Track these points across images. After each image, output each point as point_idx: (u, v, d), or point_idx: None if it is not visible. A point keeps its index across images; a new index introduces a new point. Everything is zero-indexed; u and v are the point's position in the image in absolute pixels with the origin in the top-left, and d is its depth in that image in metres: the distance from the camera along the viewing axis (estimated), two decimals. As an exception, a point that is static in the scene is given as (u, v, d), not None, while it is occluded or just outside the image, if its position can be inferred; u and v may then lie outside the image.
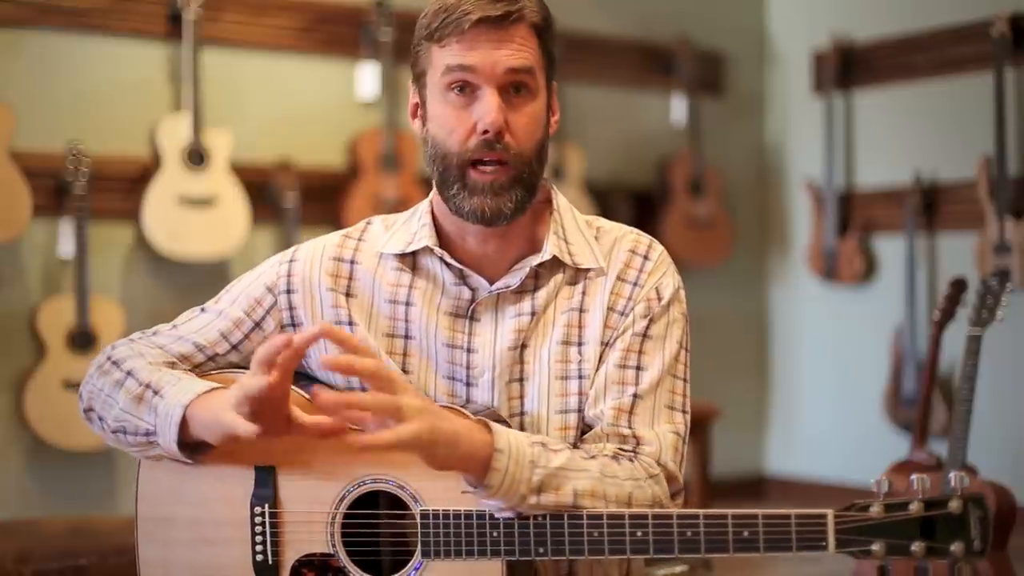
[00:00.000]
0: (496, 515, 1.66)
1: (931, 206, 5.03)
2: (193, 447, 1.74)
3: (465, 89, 1.74)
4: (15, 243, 4.07)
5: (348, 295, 1.85)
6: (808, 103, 5.61)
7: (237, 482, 1.78)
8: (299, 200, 4.49)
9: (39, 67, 4.19)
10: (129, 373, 1.80)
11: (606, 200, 5.21)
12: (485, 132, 1.72)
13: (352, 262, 1.86)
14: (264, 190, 4.53)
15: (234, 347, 1.86)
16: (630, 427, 1.75)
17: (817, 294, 5.56)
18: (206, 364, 1.86)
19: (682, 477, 1.77)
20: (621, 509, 1.67)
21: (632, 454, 1.74)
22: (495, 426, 1.65)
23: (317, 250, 1.88)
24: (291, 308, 1.86)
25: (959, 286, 3.52)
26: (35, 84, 4.18)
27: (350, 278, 1.86)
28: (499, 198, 1.74)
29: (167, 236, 4.26)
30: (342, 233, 1.91)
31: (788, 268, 5.72)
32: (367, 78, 4.75)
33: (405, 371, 1.82)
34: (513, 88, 1.75)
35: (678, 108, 5.53)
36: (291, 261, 1.88)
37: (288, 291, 1.86)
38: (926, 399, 3.62)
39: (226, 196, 4.33)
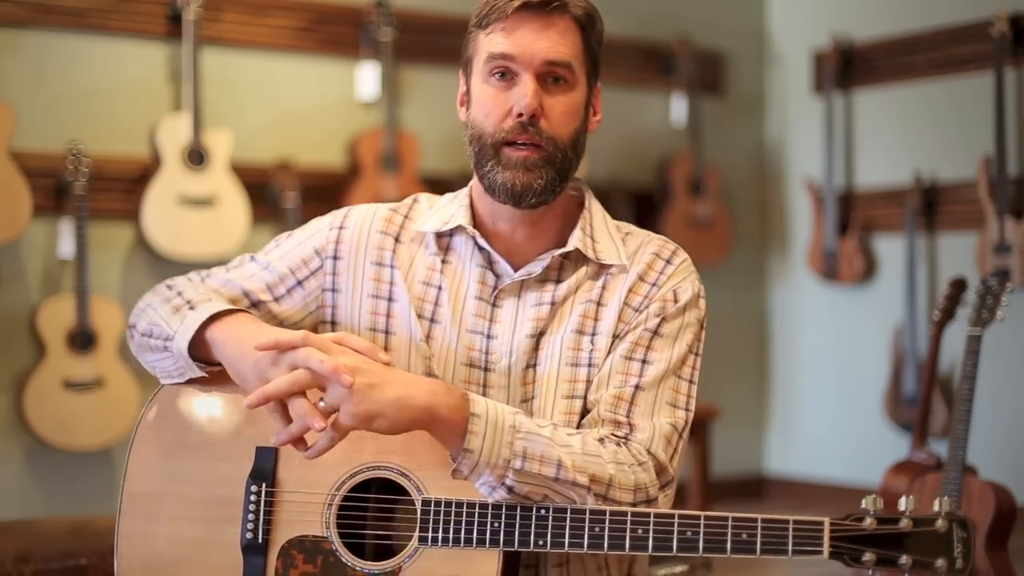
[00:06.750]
0: (489, 497, 1.68)
1: (931, 206, 5.03)
2: (204, 361, 1.82)
3: (506, 75, 1.81)
4: (15, 243, 4.08)
5: (392, 269, 1.91)
6: (808, 103, 5.61)
7: (236, 462, 1.79)
8: (299, 200, 4.49)
9: (39, 67, 4.19)
10: (179, 293, 1.90)
11: (606, 200, 5.21)
12: (520, 115, 1.79)
13: (397, 239, 1.92)
14: (264, 190, 4.53)
15: (276, 299, 1.92)
16: (627, 416, 1.78)
17: (817, 294, 5.56)
18: (250, 310, 1.92)
19: (674, 470, 1.78)
20: (604, 502, 1.69)
21: (623, 440, 1.76)
22: (472, 393, 1.69)
23: (367, 220, 1.94)
24: (335, 274, 1.92)
25: (959, 286, 3.52)
26: (35, 84, 4.18)
27: (393, 253, 1.91)
28: (530, 174, 1.80)
29: (167, 236, 4.26)
30: (390, 207, 1.96)
31: (788, 268, 5.72)
32: (367, 78, 4.75)
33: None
34: (552, 78, 1.81)
35: (678, 108, 5.53)
36: (341, 228, 1.94)
37: (335, 257, 1.92)
38: (926, 399, 3.62)
39: (226, 196, 4.33)
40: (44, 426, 4.03)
